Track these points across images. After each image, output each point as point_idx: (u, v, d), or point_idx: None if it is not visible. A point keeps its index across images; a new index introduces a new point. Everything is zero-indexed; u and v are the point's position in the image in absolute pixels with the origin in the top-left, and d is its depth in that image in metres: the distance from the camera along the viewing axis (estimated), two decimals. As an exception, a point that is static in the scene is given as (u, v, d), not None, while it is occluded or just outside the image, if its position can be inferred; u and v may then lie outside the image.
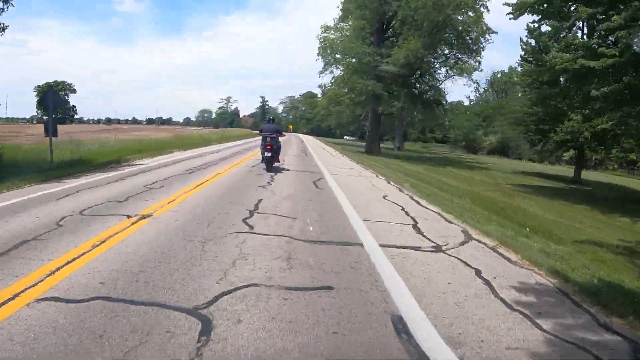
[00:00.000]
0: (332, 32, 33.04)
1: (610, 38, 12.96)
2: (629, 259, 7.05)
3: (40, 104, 10.91)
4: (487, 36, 24.81)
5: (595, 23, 13.68)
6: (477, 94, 73.91)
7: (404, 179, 11.84)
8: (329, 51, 32.52)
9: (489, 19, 26.99)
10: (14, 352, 2.12)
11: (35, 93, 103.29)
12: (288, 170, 11.71)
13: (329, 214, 5.91)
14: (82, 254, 3.67)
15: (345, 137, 73.59)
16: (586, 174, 28.87)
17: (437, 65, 27.41)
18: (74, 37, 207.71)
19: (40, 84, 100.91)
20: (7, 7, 9.80)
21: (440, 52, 27.07)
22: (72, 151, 13.73)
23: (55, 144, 17.04)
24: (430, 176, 15.72)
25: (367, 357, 2.28)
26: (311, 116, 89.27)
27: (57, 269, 3.29)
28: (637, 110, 12.44)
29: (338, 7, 30.31)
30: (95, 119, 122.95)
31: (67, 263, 3.44)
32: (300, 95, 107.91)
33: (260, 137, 11.57)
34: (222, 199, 6.51)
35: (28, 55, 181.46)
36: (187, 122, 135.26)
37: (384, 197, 8.14)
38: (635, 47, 10.97)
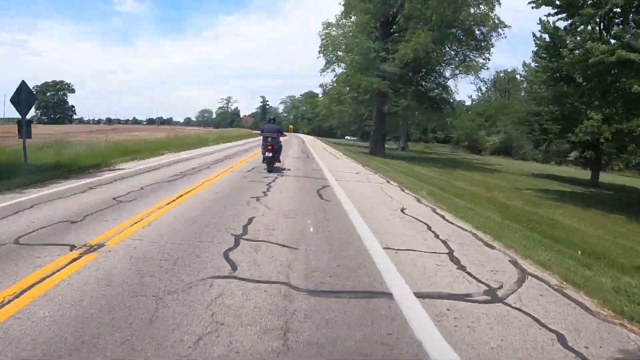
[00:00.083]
0: (334, 28, 31.74)
1: None
2: None
3: (13, 102, 9.97)
4: (499, 30, 23.42)
5: (631, 10, 12.32)
6: (480, 94, 72.60)
7: (418, 185, 10.51)
8: (330, 49, 31.20)
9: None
10: None
11: (34, 93, 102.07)
12: (288, 175, 10.40)
13: (339, 240, 4.57)
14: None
15: (346, 137, 72.34)
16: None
17: (446, 61, 25.96)
18: (74, 37, 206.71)
19: (39, 84, 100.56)
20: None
21: (448, 48, 25.68)
22: (55, 154, 12.57)
23: (39, 145, 15.93)
24: (443, 180, 14.39)
25: None
26: (312, 116, 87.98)
27: None
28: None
29: (340, 3, 28.95)
30: (96, 119, 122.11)
31: None
32: (301, 95, 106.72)
33: (261, 137, 11.48)
34: (203, 218, 5.17)
35: (28, 55, 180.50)
36: (188, 122, 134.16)
37: (402, 210, 6.81)
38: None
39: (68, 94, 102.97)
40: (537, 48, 20.80)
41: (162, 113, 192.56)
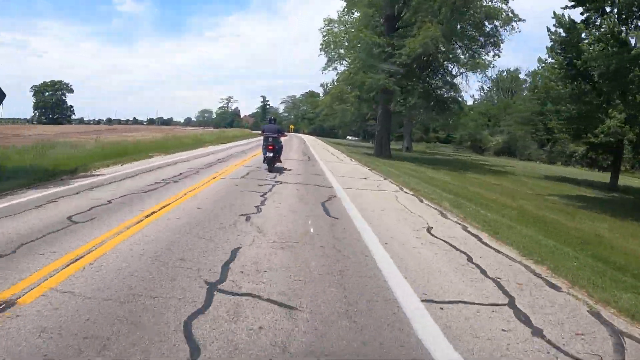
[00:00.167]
0: (336, 25, 30.38)
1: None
2: None
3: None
4: (513, 24, 22.00)
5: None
6: (482, 93, 71.20)
7: (435, 193, 9.18)
8: (332, 46, 29.86)
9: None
10: None
11: (32, 93, 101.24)
12: (288, 182, 9.08)
13: (359, 289, 3.23)
14: None
15: (347, 137, 71.05)
16: (606, 177, 26.16)
17: (454, 57, 24.51)
18: (75, 37, 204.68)
19: (37, 84, 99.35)
20: None
21: (457, 44, 24.28)
22: (35, 157, 11.36)
23: (24, 148, 14.70)
24: (458, 186, 13.05)
25: None
26: (313, 116, 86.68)
27: None
28: None
29: (342, -1, 27.49)
30: (97, 119, 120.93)
31: None
32: (301, 94, 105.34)
33: (262, 138, 11.53)
34: (170, 251, 3.84)
35: (29, 56, 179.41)
36: (188, 122, 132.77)
37: (428, 230, 5.49)
38: None
39: (67, 94, 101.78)
40: (552, 43, 19.62)
41: (163, 113, 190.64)
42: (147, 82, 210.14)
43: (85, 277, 3.14)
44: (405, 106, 26.41)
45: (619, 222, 9.85)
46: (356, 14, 28.15)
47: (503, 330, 2.78)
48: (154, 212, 5.36)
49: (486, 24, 22.32)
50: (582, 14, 17.87)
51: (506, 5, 21.31)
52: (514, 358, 2.44)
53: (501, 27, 22.34)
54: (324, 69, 30.82)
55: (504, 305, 3.22)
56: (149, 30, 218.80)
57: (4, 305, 2.64)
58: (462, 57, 25.41)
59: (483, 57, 25.54)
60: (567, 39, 17.93)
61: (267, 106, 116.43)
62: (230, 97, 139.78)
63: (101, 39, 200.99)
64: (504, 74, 66.82)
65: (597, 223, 9.25)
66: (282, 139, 11.85)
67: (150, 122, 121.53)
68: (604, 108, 18.28)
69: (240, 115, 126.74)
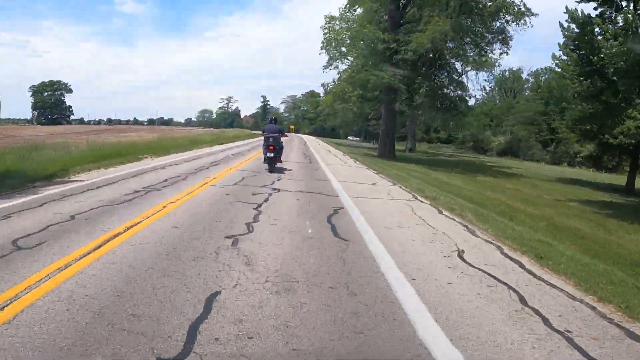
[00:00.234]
0: (338, 22, 29.28)
1: None
2: None
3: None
4: (526, 18, 20.88)
5: None
6: (484, 93, 70.07)
7: (455, 201, 8.12)
8: (334, 44, 28.76)
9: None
10: None
11: (31, 93, 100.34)
12: (287, 190, 8.02)
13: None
14: None
15: (348, 137, 70.02)
16: (615, 179, 25.09)
17: (461, 55, 23.36)
18: (75, 37, 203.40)
19: (36, 84, 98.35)
20: None
21: (464, 41, 23.16)
22: (17, 160, 10.39)
23: (6, 149, 13.71)
24: (473, 191, 12.00)
25: None
26: (314, 116, 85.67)
27: None
28: None
29: (344, -6, 26.38)
30: (97, 119, 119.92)
31: None
32: (302, 94, 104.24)
33: (262, 138, 11.59)
34: (121, 300, 2.77)
35: (29, 56, 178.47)
36: (188, 122, 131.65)
37: (459, 255, 4.43)
38: None
39: (65, 94, 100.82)
40: (564, 39, 18.66)
41: (163, 113, 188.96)
42: (147, 82, 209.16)
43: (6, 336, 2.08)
44: (411, 105, 25.26)
45: (659, 234, 8.78)
46: (359, 11, 27.10)
47: None
48: (118, 234, 4.30)
49: (498, 17, 21.13)
50: (595, 9, 16.97)
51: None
52: None
53: (512, 21, 21.22)
54: (325, 67, 29.76)
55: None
56: (149, 30, 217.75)
57: None
58: (470, 53, 24.31)
59: (489, 55, 24.49)
60: (580, 35, 17.04)
61: (268, 106, 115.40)
62: (230, 97, 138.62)
63: (101, 39, 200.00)
64: (507, 73, 65.83)
65: (634, 235, 8.21)
66: (282, 139, 11.78)
67: (151, 122, 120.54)
68: (623, 107, 17.29)
69: (240, 116, 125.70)
